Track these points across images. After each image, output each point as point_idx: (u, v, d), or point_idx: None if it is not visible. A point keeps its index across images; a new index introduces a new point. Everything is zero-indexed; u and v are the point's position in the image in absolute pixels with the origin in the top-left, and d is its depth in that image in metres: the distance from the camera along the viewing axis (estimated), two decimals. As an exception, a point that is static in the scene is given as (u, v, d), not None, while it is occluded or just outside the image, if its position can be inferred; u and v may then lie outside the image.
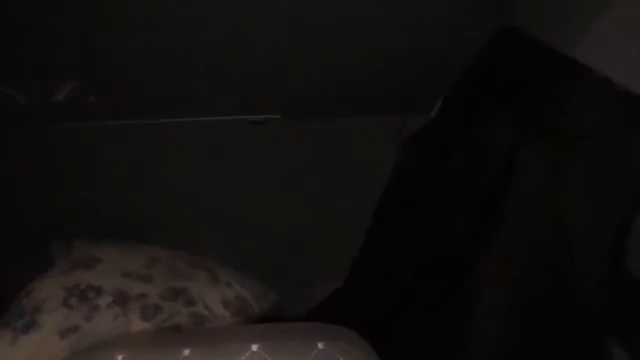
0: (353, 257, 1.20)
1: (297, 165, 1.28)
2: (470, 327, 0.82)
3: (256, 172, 1.30)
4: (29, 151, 1.24)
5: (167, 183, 1.28)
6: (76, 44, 0.96)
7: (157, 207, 1.28)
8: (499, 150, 0.87)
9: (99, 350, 0.71)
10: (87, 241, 1.12)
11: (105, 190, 1.27)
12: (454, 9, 0.96)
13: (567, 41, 0.85)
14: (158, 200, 1.28)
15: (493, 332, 0.80)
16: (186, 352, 0.62)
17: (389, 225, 1.14)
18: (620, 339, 0.76)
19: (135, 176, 1.27)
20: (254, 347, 0.62)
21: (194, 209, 1.28)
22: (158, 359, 0.63)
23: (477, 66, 1.04)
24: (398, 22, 0.98)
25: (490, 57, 1.01)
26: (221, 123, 1.24)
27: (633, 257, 0.74)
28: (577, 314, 0.77)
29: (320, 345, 0.63)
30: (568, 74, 0.83)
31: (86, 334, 0.91)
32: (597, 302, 0.76)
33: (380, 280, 1.13)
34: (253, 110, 1.22)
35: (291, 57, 1.06)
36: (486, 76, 1.00)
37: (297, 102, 1.19)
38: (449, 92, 1.13)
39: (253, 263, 1.26)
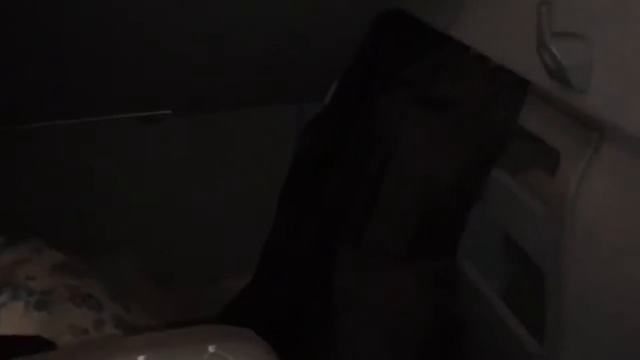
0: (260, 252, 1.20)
1: (192, 161, 1.26)
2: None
3: (153, 169, 1.26)
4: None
5: (58, 185, 1.23)
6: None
7: (48, 210, 1.22)
8: (386, 128, 0.94)
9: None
10: None
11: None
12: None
13: (445, 21, 0.88)
14: (50, 202, 1.23)
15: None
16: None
17: (290, 216, 1.14)
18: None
19: (24, 178, 1.21)
20: (140, 359, 0.59)
21: (87, 211, 1.24)
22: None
23: (364, 49, 1.05)
24: (288, 13, 0.97)
25: (375, 39, 1.03)
26: (110, 122, 1.19)
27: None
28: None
29: (211, 348, 0.61)
30: (445, 51, 0.91)
31: None
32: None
33: (281, 277, 1.13)
34: (143, 106, 1.18)
35: (181, 51, 1.03)
36: (373, 57, 1.03)
37: (188, 96, 1.16)
38: (341, 77, 1.14)
39: (163, 260, 1.23)
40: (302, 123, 1.20)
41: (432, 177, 0.90)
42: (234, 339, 0.62)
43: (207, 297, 1.25)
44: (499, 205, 0.88)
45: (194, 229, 1.28)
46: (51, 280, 0.99)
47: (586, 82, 0.63)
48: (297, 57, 1.08)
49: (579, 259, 0.69)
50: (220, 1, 0.94)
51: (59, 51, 0.97)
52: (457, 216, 0.93)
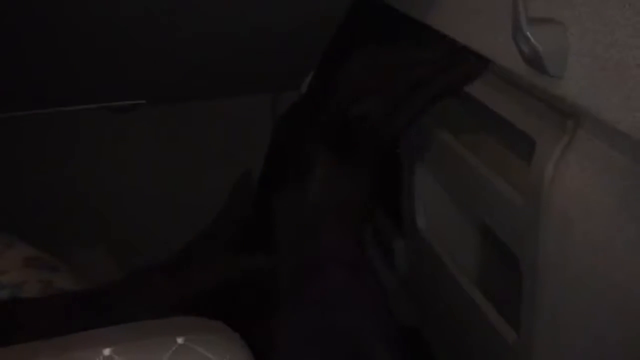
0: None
1: (166, 151, 1.24)
2: None
3: (127, 159, 1.24)
4: None
5: (29, 177, 1.20)
6: None
7: (19, 204, 1.20)
8: None
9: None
10: None
11: None
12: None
13: (421, 9, 0.88)
14: (21, 195, 1.20)
15: None
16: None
17: (267, 207, 1.13)
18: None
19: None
20: (106, 352, 0.58)
21: (59, 204, 1.21)
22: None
23: (340, 37, 1.04)
24: (262, 2, 0.96)
25: (352, 27, 1.02)
26: (82, 112, 1.16)
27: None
28: None
29: (179, 340, 0.59)
30: (416, 38, 0.95)
31: None
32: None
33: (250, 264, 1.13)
34: (116, 96, 1.16)
35: (154, 40, 1.01)
36: (348, 45, 1.02)
37: (162, 86, 1.14)
38: (318, 66, 1.13)
39: (137, 253, 1.21)
40: (278, 112, 1.19)
41: None
42: (204, 331, 0.61)
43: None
44: (476, 194, 0.87)
45: (168, 220, 1.26)
46: (23, 274, 0.97)
47: (562, 69, 0.63)
48: (273, 45, 1.07)
49: (555, 247, 0.68)
50: (200, 1, 0.92)
51: (30, 41, 0.95)
52: None
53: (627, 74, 0.55)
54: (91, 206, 1.25)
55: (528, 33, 0.62)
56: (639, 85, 0.54)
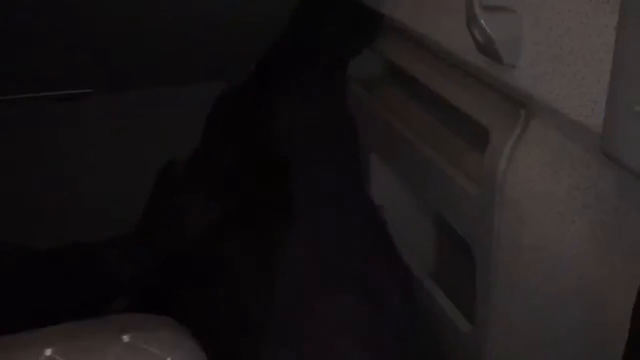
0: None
1: (113, 140, 1.20)
2: None
3: (73, 149, 1.20)
4: None
5: None
6: None
7: None
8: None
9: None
10: None
11: None
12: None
13: None
14: None
15: None
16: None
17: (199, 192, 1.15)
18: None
19: None
20: (48, 352, 0.55)
21: (4, 195, 1.16)
22: None
23: (291, 24, 1.03)
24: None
25: (301, 16, 1.01)
26: (27, 101, 1.11)
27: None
28: None
29: (125, 338, 0.57)
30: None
31: None
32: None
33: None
34: (62, 85, 1.11)
35: (100, 27, 0.97)
36: (299, 34, 1.01)
37: (109, 74, 1.10)
38: (264, 55, 1.11)
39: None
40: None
41: None
42: (151, 327, 0.58)
43: None
44: (431, 185, 0.87)
45: (118, 211, 1.22)
46: None
47: (515, 58, 0.62)
48: (218, 35, 1.04)
49: (508, 237, 0.68)
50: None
51: None
52: None
53: (579, 62, 0.55)
54: (39, 196, 1.20)
55: (482, 21, 0.62)
56: (591, 74, 0.54)
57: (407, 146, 0.92)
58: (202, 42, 1.05)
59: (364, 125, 1.06)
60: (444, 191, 0.83)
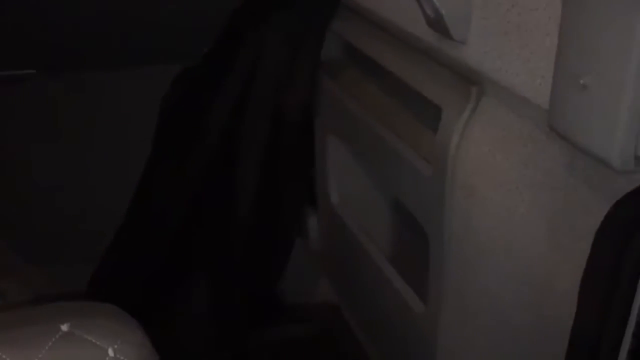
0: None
1: (57, 124, 1.16)
2: None
3: (16, 132, 1.15)
4: None
5: None
6: None
7: None
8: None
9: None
10: None
11: None
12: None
13: None
14: None
15: None
16: None
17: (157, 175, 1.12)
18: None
19: None
20: (-22, 343, 0.52)
21: None
22: None
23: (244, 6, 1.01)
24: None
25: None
26: None
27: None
28: None
29: (64, 327, 0.54)
30: None
31: None
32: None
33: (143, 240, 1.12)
34: (5, 65, 1.07)
35: (48, 5, 0.93)
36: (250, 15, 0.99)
37: (54, 55, 1.06)
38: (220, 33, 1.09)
39: (36, 234, 1.14)
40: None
41: None
42: (93, 315, 0.56)
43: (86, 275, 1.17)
44: (386, 166, 0.86)
45: (62, 198, 1.18)
46: None
47: (464, 33, 0.61)
48: (171, 16, 1.01)
49: (461, 217, 0.68)
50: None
51: None
52: None
53: (528, 37, 0.54)
54: None
55: (431, -4, 0.60)
56: (540, 49, 0.53)
57: (363, 128, 0.91)
58: (156, 25, 1.02)
59: (322, 108, 1.05)
60: (399, 173, 0.82)
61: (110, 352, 0.51)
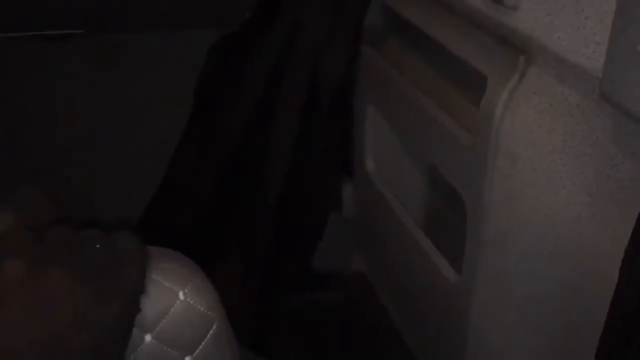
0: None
1: (104, 83, 1.17)
2: None
3: (64, 90, 1.17)
4: None
5: None
6: None
7: None
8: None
9: None
10: None
11: None
12: None
13: None
14: None
15: None
16: None
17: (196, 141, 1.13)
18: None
19: None
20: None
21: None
22: None
23: None
24: None
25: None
26: (13, 41, 1.08)
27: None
28: None
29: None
30: None
31: None
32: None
33: (183, 206, 1.13)
34: (53, 24, 1.08)
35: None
36: None
37: (101, 15, 1.07)
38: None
39: (77, 186, 1.16)
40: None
41: None
42: (162, 259, 0.56)
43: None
44: (425, 135, 0.85)
45: (104, 157, 1.20)
46: None
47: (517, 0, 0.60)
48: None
49: (501, 186, 0.67)
50: None
51: None
52: None
53: (583, 2, 0.53)
54: (22, 143, 1.18)
55: (484, -40, 0.59)
56: (595, 15, 0.52)
57: (404, 96, 0.91)
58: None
59: (362, 76, 1.04)
60: (438, 142, 0.82)
61: (181, 296, 0.51)
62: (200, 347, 0.52)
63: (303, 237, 1.17)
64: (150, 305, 0.49)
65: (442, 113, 0.80)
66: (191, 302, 0.51)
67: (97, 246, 0.49)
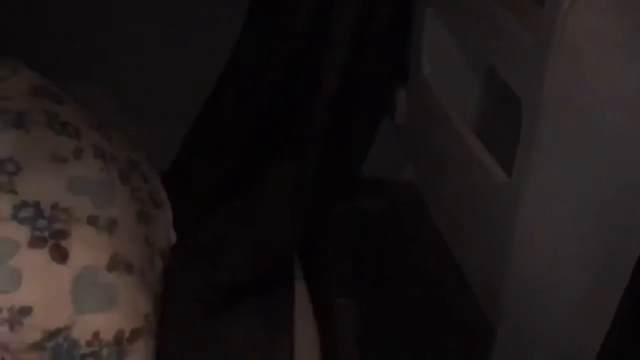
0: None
1: None
2: None
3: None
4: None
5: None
6: None
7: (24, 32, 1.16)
8: None
9: None
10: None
11: None
12: None
13: None
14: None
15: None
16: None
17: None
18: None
19: None
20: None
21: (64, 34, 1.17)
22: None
23: None
24: None
25: None
26: None
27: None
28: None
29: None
30: None
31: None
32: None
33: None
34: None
35: None
36: None
37: None
38: None
39: (138, 95, 1.19)
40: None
41: None
42: None
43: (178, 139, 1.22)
44: (483, 35, 0.83)
45: (160, 59, 1.21)
46: (28, 103, 0.92)
47: None
48: None
49: (561, 85, 0.66)
50: None
51: None
52: None
53: None
54: (85, 38, 1.20)
55: None
56: None
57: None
58: None
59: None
60: (499, 42, 0.79)
61: None
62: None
63: (355, 142, 1.17)
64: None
65: (505, 12, 0.78)
66: None
67: None
